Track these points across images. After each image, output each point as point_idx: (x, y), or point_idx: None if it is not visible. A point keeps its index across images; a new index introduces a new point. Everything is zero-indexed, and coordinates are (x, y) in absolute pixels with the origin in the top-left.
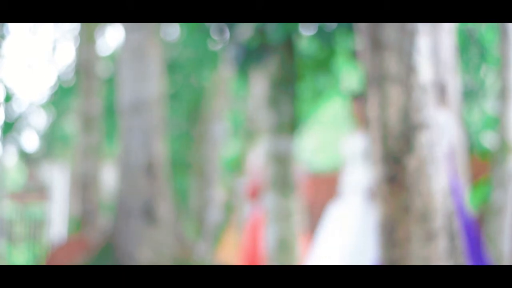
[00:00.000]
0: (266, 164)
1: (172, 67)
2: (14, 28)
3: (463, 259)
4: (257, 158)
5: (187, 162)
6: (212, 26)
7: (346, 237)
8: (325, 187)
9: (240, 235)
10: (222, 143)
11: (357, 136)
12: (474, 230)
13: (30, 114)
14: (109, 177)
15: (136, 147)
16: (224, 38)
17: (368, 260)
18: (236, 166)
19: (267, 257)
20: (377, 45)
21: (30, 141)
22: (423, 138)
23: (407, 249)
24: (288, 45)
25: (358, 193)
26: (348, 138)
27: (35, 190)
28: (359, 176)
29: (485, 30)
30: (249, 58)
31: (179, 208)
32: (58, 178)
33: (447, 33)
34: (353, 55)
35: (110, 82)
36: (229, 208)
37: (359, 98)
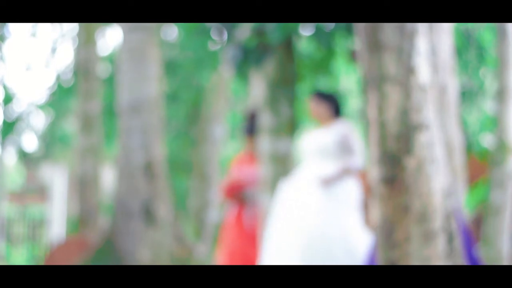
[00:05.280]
0: (262, 164)
1: (171, 68)
2: (14, 29)
3: (462, 260)
4: (247, 158)
5: (186, 162)
6: (212, 27)
7: (304, 219)
8: None
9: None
10: (222, 144)
11: (314, 132)
12: (467, 233)
13: (29, 114)
14: (108, 178)
15: (135, 147)
16: (222, 38)
17: (327, 241)
18: None
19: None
20: (376, 46)
21: (29, 141)
22: (422, 139)
23: (406, 249)
24: (287, 46)
25: (313, 182)
26: (306, 135)
27: (34, 191)
28: (315, 170)
29: (483, 30)
30: (247, 58)
31: (178, 208)
32: (57, 179)
33: (445, 33)
34: (352, 55)
35: (109, 82)
36: None
37: (315, 95)
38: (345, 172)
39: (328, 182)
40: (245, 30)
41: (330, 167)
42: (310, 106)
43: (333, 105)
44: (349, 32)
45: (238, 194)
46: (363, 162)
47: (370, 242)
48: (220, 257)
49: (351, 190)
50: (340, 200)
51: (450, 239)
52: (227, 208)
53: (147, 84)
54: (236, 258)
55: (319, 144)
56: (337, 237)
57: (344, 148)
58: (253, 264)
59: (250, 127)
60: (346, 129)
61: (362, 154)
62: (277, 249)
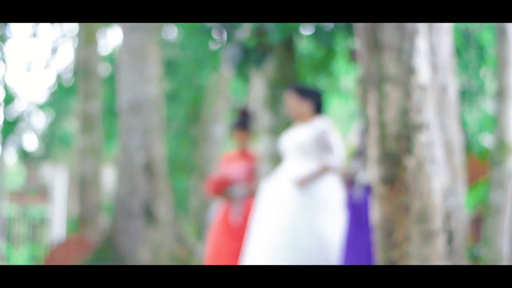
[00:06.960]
0: (261, 163)
1: (171, 68)
2: (15, 29)
3: (461, 259)
4: (237, 155)
5: (186, 162)
6: (212, 26)
7: (278, 219)
8: None
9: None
10: (222, 143)
11: (294, 130)
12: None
13: (29, 114)
14: (108, 177)
15: (135, 147)
16: (222, 38)
17: (300, 239)
18: None
19: None
20: (376, 46)
21: (30, 141)
22: (422, 139)
23: (406, 249)
24: (287, 46)
25: (290, 181)
26: (288, 132)
27: (35, 191)
28: (293, 169)
29: (483, 30)
30: (247, 58)
31: (178, 208)
32: (57, 179)
33: (445, 33)
34: (352, 55)
35: (110, 82)
36: None
37: (296, 92)
38: (323, 170)
39: (305, 181)
40: (245, 30)
41: (309, 165)
42: (290, 102)
43: (315, 102)
44: (349, 32)
45: (224, 191)
46: (341, 160)
47: (341, 242)
48: (206, 255)
49: (330, 188)
50: (316, 199)
51: (450, 239)
52: (217, 205)
53: (147, 84)
54: (221, 255)
55: (297, 142)
56: (309, 237)
57: (322, 145)
58: (238, 261)
59: (241, 124)
60: (324, 126)
61: (340, 152)
62: (254, 249)
